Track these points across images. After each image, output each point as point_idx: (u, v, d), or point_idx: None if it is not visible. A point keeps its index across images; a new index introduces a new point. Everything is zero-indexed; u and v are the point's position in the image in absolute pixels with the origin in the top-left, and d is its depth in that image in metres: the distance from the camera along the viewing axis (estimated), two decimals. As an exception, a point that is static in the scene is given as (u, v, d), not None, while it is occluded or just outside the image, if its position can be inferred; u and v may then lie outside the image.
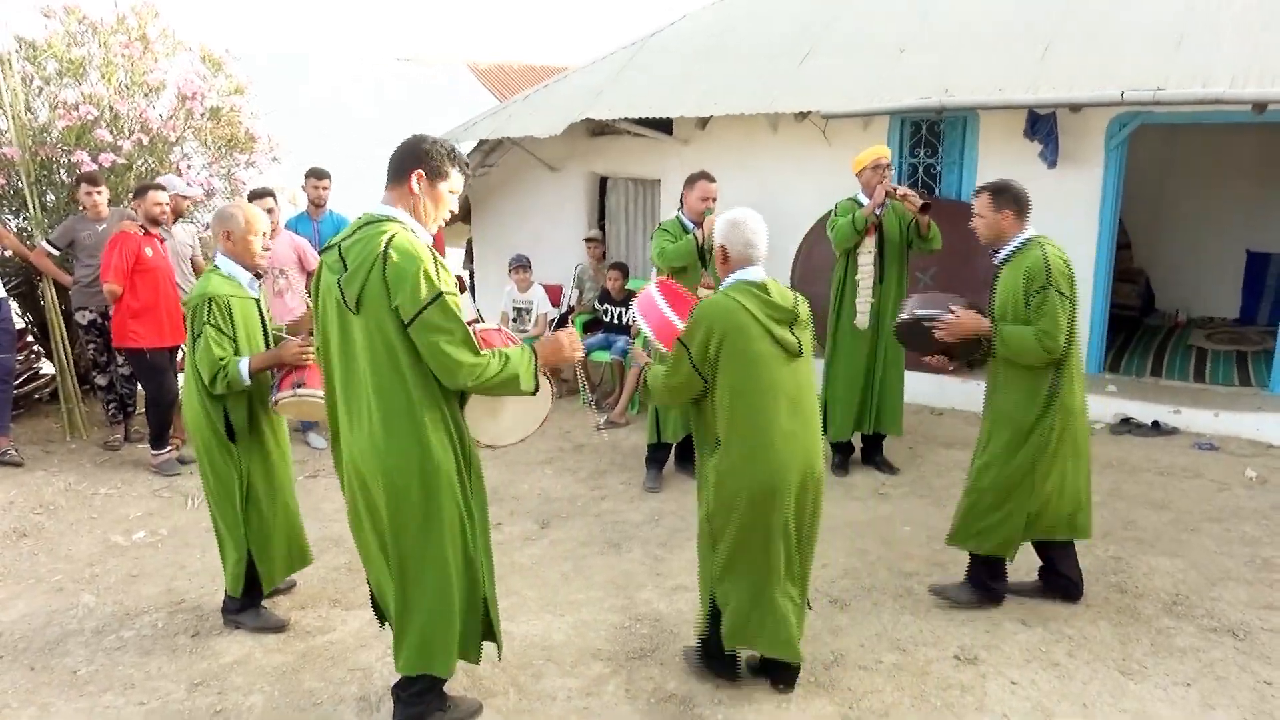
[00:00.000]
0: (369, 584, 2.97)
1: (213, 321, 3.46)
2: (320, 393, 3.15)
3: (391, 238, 2.59)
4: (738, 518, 3.02)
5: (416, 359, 2.63)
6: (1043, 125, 6.44)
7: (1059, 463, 3.63)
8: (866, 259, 5.22)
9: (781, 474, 2.98)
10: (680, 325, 3.11)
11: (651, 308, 3.24)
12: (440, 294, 2.58)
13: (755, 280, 3.05)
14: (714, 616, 3.17)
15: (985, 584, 3.82)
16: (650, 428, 5.38)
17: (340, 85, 13.91)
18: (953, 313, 3.66)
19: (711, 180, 5.18)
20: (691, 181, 5.19)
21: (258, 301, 3.70)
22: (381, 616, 3.01)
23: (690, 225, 5.12)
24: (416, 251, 2.59)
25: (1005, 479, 3.64)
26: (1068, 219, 6.67)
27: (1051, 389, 3.56)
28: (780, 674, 3.25)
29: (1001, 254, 3.70)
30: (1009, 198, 3.63)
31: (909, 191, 5.07)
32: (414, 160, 2.70)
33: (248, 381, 3.49)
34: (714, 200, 5.11)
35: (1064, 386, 3.57)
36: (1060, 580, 3.84)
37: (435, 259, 2.65)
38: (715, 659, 3.27)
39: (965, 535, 3.78)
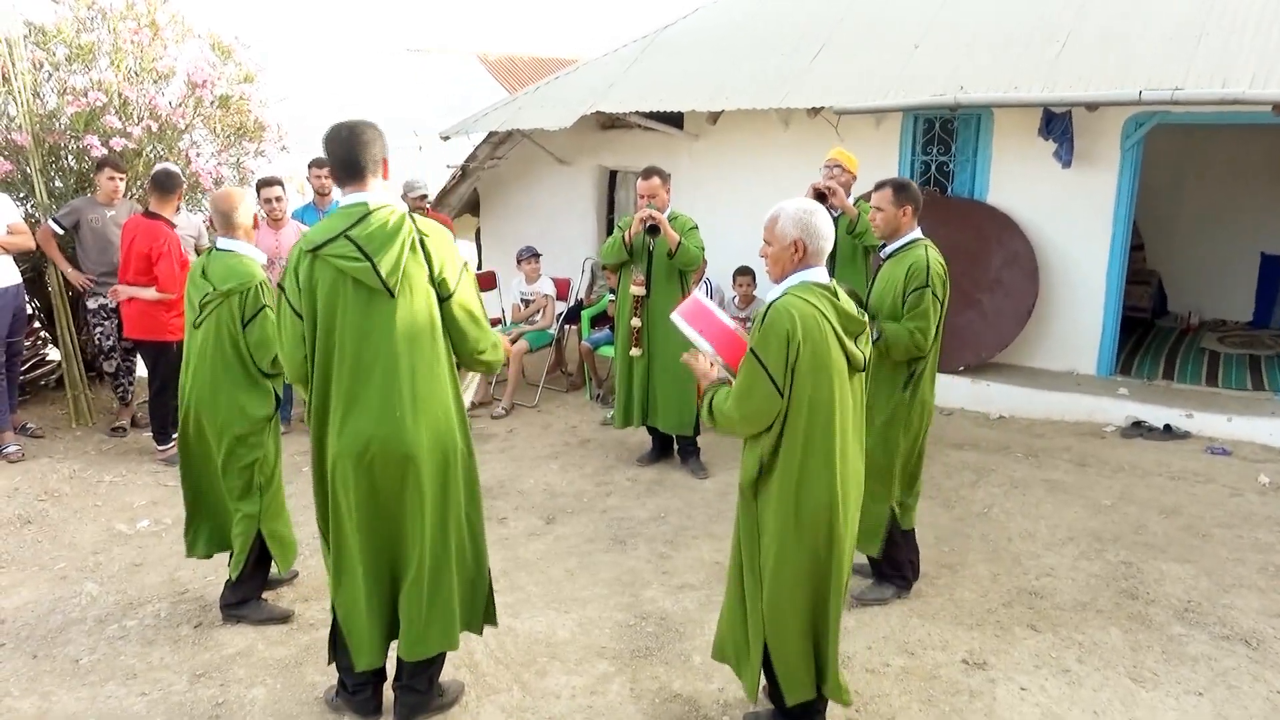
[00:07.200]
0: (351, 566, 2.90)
1: (269, 303, 3.56)
2: None
3: (413, 217, 2.77)
4: (796, 543, 2.69)
5: (444, 335, 2.82)
6: (1058, 124, 6.36)
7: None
8: None
9: (843, 494, 2.70)
10: (745, 336, 2.74)
11: (703, 314, 2.83)
12: (466, 264, 2.87)
13: (823, 283, 2.69)
14: (773, 677, 2.84)
15: (887, 573, 3.91)
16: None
17: (350, 75, 13.88)
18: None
19: (649, 177, 5.17)
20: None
21: None
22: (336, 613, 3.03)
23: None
24: (440, 228, 2.82)
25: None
26: (1081, 219, 6.62)
27: (908, 384, 3.70)
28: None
29: (888, 249, 3.80)
30: (910, 196, 3.74)
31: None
32: (381, 148, 2.82)
33: None
34: (650, 197, 5.13)
35: (923, 383, 3.72)
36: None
37: None
38: None
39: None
